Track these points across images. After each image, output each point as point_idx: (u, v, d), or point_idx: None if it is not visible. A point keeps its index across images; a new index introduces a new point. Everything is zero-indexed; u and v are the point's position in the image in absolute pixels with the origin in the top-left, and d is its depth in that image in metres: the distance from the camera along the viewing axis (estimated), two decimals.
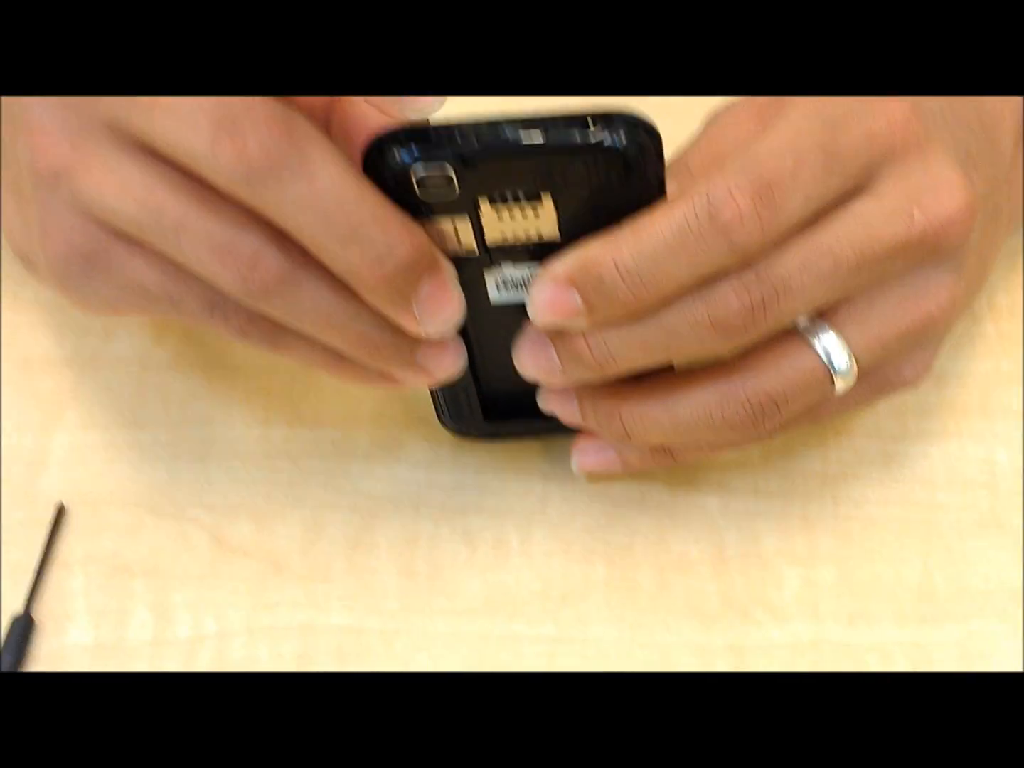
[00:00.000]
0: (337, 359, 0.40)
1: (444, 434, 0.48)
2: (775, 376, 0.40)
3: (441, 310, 0.37)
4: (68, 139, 0.37)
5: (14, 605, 0.46)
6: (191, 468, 0.49)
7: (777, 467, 0.48)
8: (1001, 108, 0.44)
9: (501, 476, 0.48)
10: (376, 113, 0.37)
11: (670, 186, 0.37)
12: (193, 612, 0.46)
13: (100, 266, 0.39)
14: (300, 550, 0.47)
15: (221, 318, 0.39)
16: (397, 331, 0.38)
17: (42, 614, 0.46)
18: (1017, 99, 0.45)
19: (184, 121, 0.35)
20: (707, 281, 0.37)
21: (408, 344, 0.39)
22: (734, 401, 0.40)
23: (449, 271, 0.38)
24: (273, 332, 0.39)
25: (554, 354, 0.40)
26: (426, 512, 0.47)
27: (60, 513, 0.47)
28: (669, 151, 0.37)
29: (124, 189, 0.37)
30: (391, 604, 0.46)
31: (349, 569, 0.46)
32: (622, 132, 0.35)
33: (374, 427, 0.49)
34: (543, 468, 0.48)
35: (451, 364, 0.40)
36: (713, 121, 0.43)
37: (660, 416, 0.41)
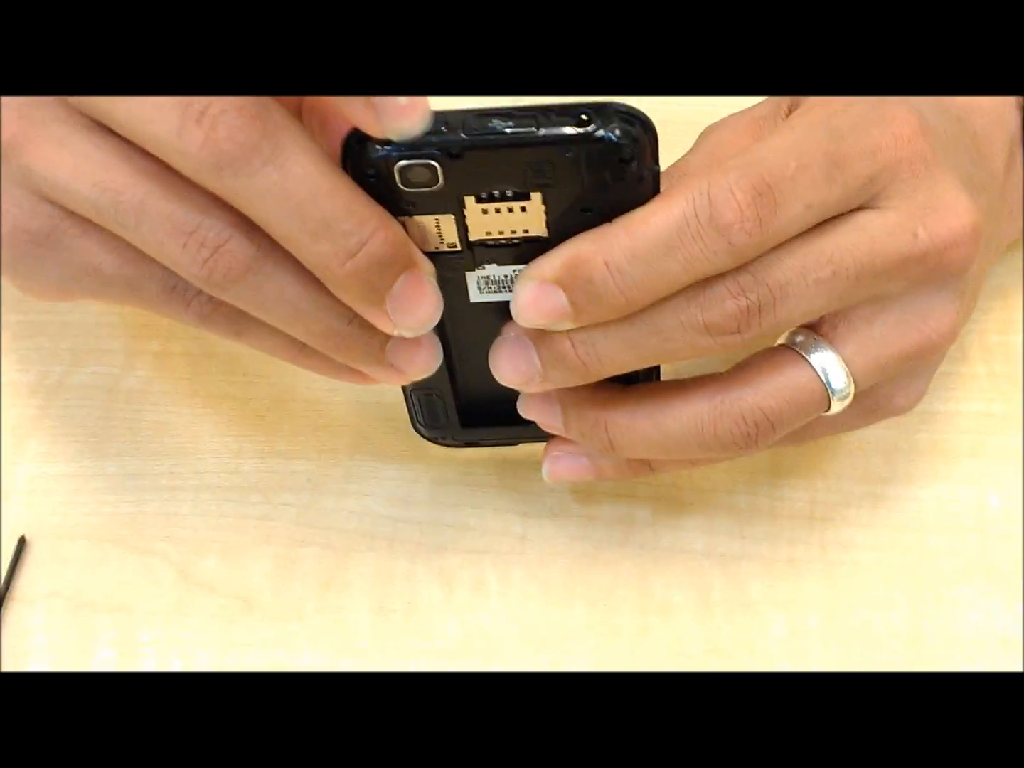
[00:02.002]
0: (303, 350, 0.38)
1: (421, 470, 0.47)
2: (771, 392, 0.39)
3: (416, 309, 0.36)
4: (18, 111, 0.35)
5: None
6: (159, 501, 0.47)
7: (763, 510, 0.46)
8: (992, 134, 0.44)
9: (480, 514, 0.47)
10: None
11: (667, 189, 0.36)
12: (158, 651, 0.44)
13: (50, 247, 0.37)
14: (271, 587, 0.45)
15: (181, 303, 0.37)
16: (367, 326, 0.36)
17: (1, 650, 0.44)
18: (1006, 125, 0.44)
19: (149, 105, 0.33)
20: (701, 282, 0.36)
21: (379, 340, 0.37)
22: (728, 418, 0.39)
23: (427, 269, 0.36)
24: (236, 319, 0.37)
25: (535, 356, 0.38)
26: (401, 550, 0.46)
27: (21, 546, 0.46)
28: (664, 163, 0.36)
29: (78, 167, 0.35)
30: (364, 644, 0.44)
31: (321, 608, 0.45)
32: (617, 124, 0.34)
33: (350, 461, 0.48)
34: (523, 507, 0.47)
35: (425, 363, 0.38)
36: (708, 135, 0.42)
37: (649, 429, 0.39)
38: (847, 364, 0.39)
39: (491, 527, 0.46)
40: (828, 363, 0.39)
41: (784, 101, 0.41)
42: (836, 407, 0.40)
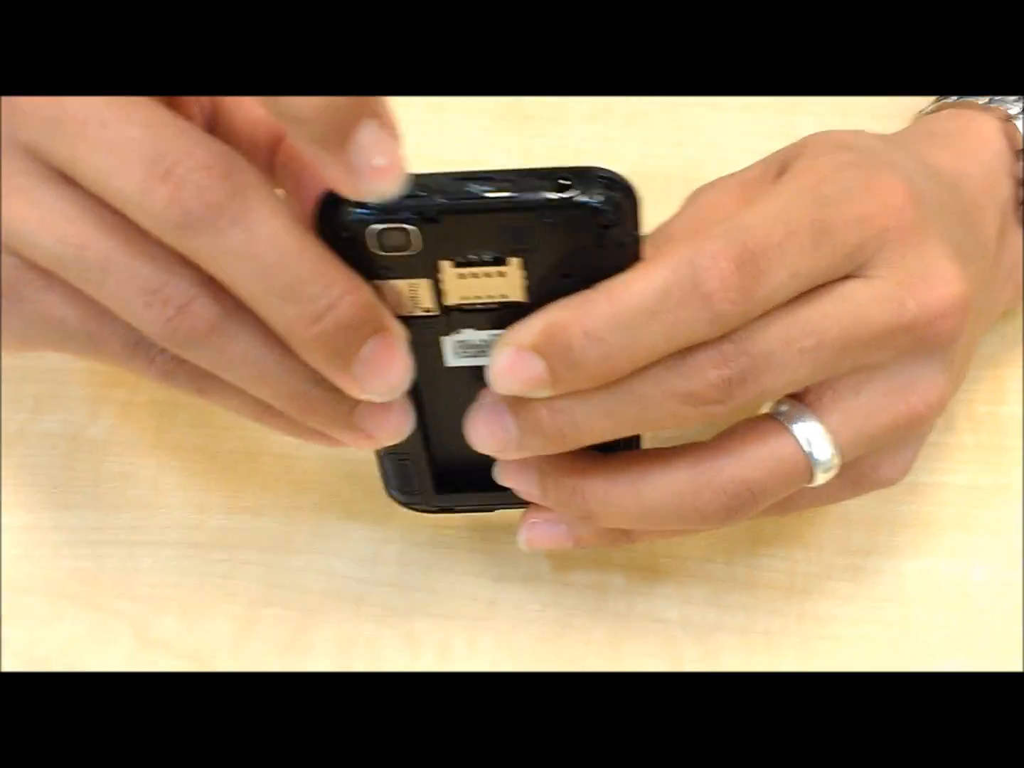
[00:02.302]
0: (267, 409, 0.37)
1: (391, 530, 0.46)
2: (753, 463, 0.38)
3: (384, 374, 0.34)
4: None
5: None
6: (118, 555, 0.46)
7: (741, 579, 0.45)
8: (983, 202, 0.43)
9: (449, 577, 0.45)
10: None
11: (649, 255, 0.35)
12: None
13: (11, 299, 0.36)
14: (230, 648, 0.44)
15: (144, 359, 0.36)
16: (335, 388, 0.35)
17: None
18: (997, 194, 0.44)
19: (113, 157, 0.32)
20: (683, 350, 0.35)
21: (347, 404, 0.36)
22: (708, 488, 0.38)
23: (397, 333, 0.35)
24: (200, 377, 0.36)
25: (511, 423, 0.37)
26: (367, 612, 0.45)
27: None
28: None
29: (43, 221, 0.34)
30: None
31: (282, 671, 0.43)
32: (597, 189, 0.33)
33: (317, 518, 0.47)
34: (493, 570, 0.45)
35: (395, 428, 0.37)
36: (696, 197, 0.42)
37: (627, 499, 0.38)
38: (832, 435, 0.38)
39: (461, 591, 0.45)
40: (812, 434, 0.38)
41: (773, 165, 0.41)
42: (820, 479, 0.38)
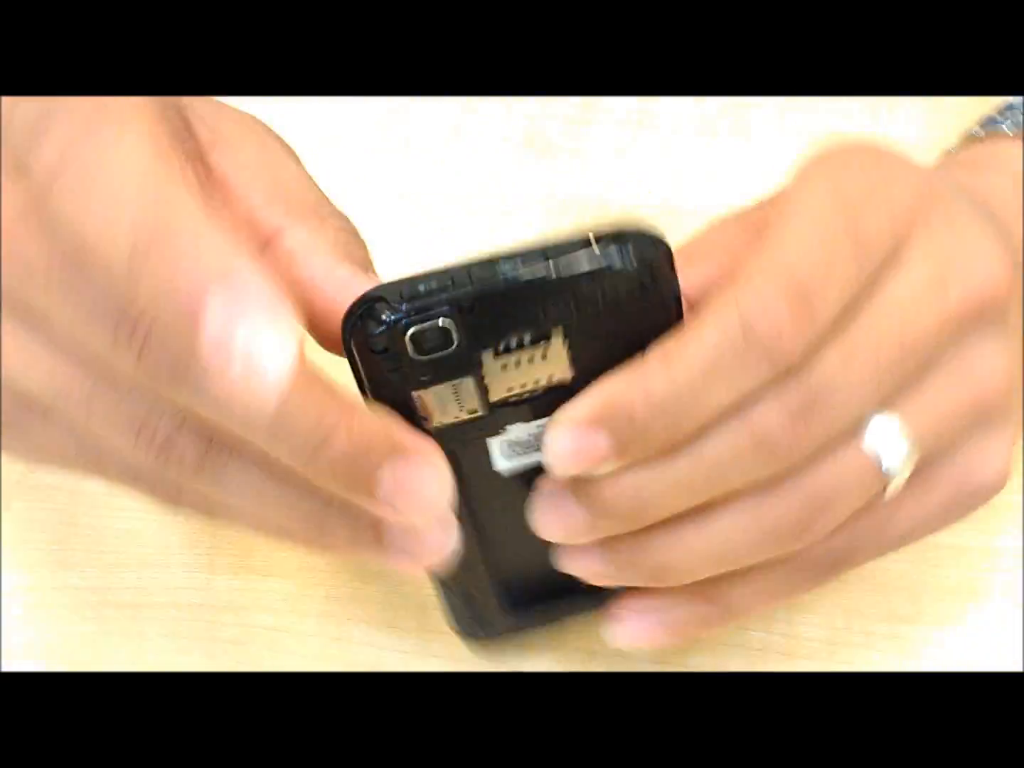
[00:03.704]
0: (287, 532, 0.34)
1: (408, 592, 0.44)
2: (819, 469, 0.35)
3: (415, 495, 0.32)
4: None
5: None
6: (123, 619, 0.44)
7: (777, 649, 0.43)
8: (1016, 211, 0.40)
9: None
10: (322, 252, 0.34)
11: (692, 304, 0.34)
12: None
13: (14, 430, 0.35)
14: None
15: (147, 487, 0.34)
16: (352, 507, 0.33)
17: None
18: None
19: (83, 308, 0.30)
20: (744, 401, 0.33)
21: (370, 523, 0.33)
22: (774, 506, 0.35)
23: (425, 449, 0.32)
24: (208, 503, 0.34)
25: (577, 508, 0.35)
26: None
27: None
28: None
29: (27, 363, 0.33)
30: None
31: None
32: (631, 250, 0.32)
33: (332, 581, 0.45)
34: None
35: (437, 545, 0.34)
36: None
37: (693, 539, 0.36)
38: (903, 426, 0.35)
39: None
40: (882, 430, 0.35)
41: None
42: (896, 475, 0.36)
